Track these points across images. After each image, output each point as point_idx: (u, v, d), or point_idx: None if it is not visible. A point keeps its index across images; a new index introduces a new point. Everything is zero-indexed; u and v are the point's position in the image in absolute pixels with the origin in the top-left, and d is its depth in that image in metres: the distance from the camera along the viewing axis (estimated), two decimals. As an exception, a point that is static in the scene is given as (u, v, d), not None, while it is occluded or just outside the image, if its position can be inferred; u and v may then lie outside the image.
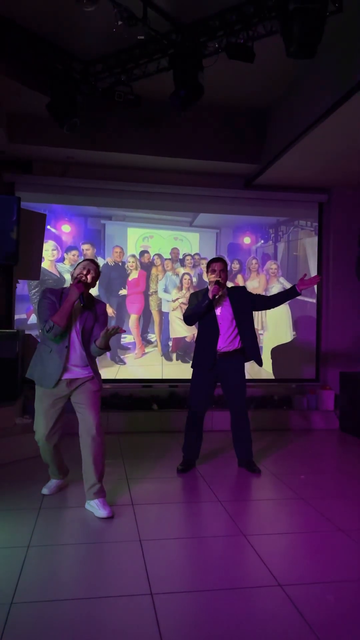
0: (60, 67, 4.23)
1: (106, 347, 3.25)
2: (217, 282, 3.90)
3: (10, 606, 2.14)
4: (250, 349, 4.03)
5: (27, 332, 5.47)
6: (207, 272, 4.06)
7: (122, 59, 4.23)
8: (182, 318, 4.26)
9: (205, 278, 4.34)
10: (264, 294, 4.22)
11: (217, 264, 4.00)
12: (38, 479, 3.74)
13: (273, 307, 4.21)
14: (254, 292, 4.55)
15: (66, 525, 3.07)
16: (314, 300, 6.15)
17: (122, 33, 3.65)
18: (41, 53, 4.11)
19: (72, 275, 3.31)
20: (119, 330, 3.14)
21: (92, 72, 4.37)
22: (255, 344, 4.07)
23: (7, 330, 5.16)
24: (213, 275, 3.95)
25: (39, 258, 5.57)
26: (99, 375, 3.35)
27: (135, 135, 5.23)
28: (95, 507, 3.19)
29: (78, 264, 3.33)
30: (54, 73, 4.20)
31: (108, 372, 5.66)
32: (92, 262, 3.35)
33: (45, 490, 3.52)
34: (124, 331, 3.21)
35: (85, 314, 3.25)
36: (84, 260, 3.35)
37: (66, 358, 3.19)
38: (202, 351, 4.03)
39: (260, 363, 4.08)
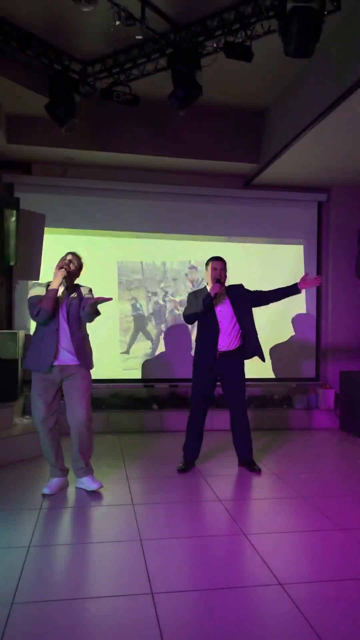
0: (59, 67, 4.23)
1: (96, 312, 3.47)
2: (217, 281, 3.90)
3: (11, 606, 2.15)
4: (252, 345, 4.04)
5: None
6: (206, 270, 4.07)
7: (121, 59, 4.23)
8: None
9: (204, 277, 4.32)
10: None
11: (218, 263, 4.00)
12: (38, 479, 3.74)
13: (272, 302, 4.16)
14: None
15: (66, 525, 3.08)
16: (314, 299, 6.15)
17: (120, 33, 3.65)
18: (40, 54, 4.11)
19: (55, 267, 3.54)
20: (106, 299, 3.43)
21: (91, 72, 4.37)
22: (257, 340, 4.07)
23: (7, 331, 5.17)
24: (214, 273, 3.96)
25: (39, 258, 5.57)
26: (91, 361, 3.62)
27: (134, 135, 5.23)
28: (86, 483, 3.57)
29: (62, 257, 3.58)
30: (53, 74, 4.20)
31: (108, 370, 5.66)
32: (74, 254, 3.62)
33: (46, 490, 3.52)
34: (111, 299, 3.46)
35: (70, 299, 3.52)
36: (67, 253, 3.61)
37: (57, 340, 3.44)
38: (203, 350, 4.03)
39: (263, 358, 4.11)
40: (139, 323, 5.98)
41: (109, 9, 3.42)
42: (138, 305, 5.98)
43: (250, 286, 4.17)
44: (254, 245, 6.05)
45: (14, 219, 5.09)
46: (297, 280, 4.07)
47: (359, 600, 2.22)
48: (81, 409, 3.50)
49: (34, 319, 3.44)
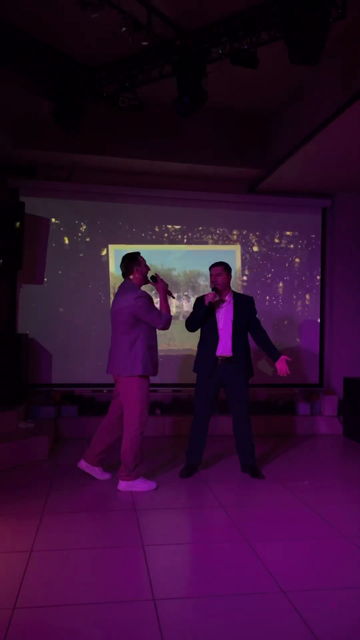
0: (65, 73, 4.25)
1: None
2: (213, 289, 3.91)
3: (13, 611, 2.14)
4: (241, 358, 3.99)
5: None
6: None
7: (127, 65, 4.25)
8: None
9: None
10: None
11: (214, 269, 4.02)
12: (41, 483, 3.74)
13: (255, 342, 4.08)
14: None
15: (69, 530, 3.07)
16: (318, 304, 6.15)
17: (126, 39, 3.66)
18: (46, 59, 4.13)
19: (143, 273, 3.78)
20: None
21: (97, 78, 4.39)
22: (248, 354, 4.07)
23: (11, 335, 5.18)
24: (210, 279, 3.97)
25: (43, 262, 5.59)
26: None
27: (139, 140, 5.25)
28: (98, 472, 3.98)
29: (144, 263, 3.81)
30: (59, 79, 4.22)
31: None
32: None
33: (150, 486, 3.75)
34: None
35: None
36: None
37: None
38: (203, 357, 4.03)
39: (251, 374, 4.10)
40: None
41: (116, 15, 3.43)
42: None
43: (254, 292, 4.16)
44: (258, 250, 6.04)
45: (18, 223, 5.11)
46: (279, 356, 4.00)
47: (363, 609, 2.20)
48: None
49: (165, 326, 3.72)
